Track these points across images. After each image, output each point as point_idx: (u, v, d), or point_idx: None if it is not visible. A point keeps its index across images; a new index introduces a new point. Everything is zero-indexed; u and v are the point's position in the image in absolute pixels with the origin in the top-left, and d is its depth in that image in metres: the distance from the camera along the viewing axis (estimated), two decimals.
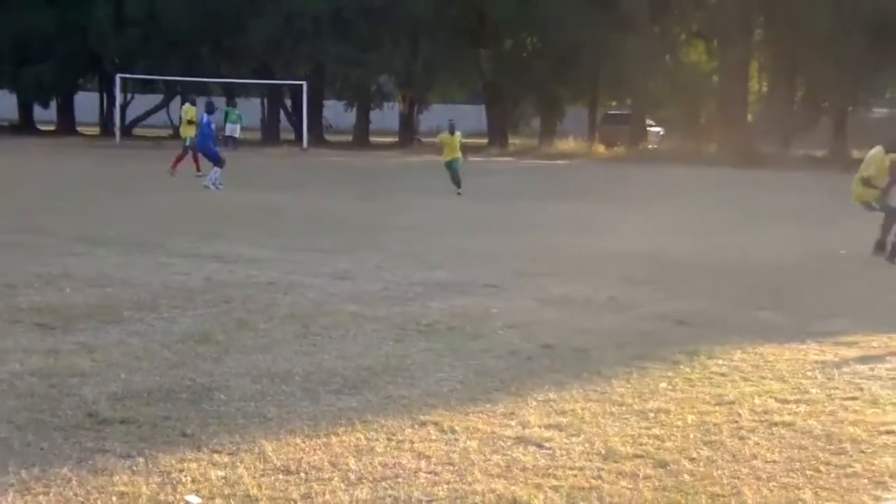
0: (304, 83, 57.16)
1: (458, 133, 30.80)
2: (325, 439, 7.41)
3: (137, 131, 66.09)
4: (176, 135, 44.96)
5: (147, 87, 68.52)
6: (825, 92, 53.28)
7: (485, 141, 63.44)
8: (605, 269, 15.74)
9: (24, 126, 68.68)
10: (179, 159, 32.88)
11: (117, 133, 58.25)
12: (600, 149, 57.86)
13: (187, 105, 36.02)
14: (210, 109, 30.30)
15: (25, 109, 70.84)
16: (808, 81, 54.97)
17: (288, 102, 67.39)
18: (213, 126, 30.33)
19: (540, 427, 7.76)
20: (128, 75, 58.46)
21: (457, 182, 29.76)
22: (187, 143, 32.94)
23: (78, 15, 62.49)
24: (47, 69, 62.96)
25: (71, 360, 9.38)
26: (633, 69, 55.15)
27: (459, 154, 30.43)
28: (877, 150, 17.81)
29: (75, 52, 63.75)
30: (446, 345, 10.38)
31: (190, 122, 30.20)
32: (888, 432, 7.76)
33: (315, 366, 9.39)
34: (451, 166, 30.20)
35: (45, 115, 71.11)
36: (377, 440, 7.41)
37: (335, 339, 10.57)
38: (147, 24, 60.50)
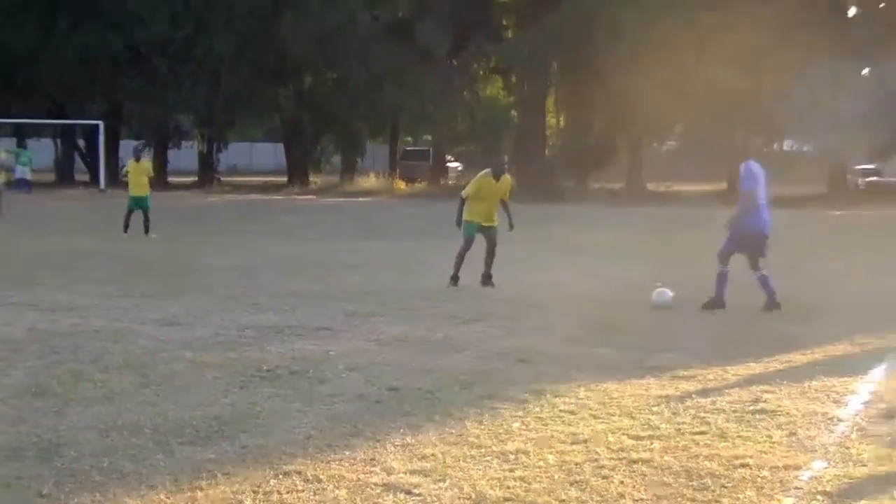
0: (100, 123, 56.01)
1: (144, 161, 29.47)
2: (189, 494, 7.23)
3: None
4: None
5: None
6: (620, 126, 54.57)
7: (285, 179, 63.29)
8: (432, 308, 15.80)
9: None
10: None
11: None
12: (401, 185, 58.19)
13: None
14: None
15: None
16: (604, 116, 56.20)
17: (81, 142, 65.95)
18: None
19: (405, 473, 7.70)
20: None
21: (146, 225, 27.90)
22: None
23: None
24: None
25: None
26: (432, 104, 55.67)
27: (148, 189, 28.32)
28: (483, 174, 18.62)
29: None
30: (293, 390, 10.26)
31: None
32: (743, 465, 7.92)
33: (162, 417, 9.17)
34: (140, 203, 28.08)
35: None
36: (243, 493, 7.26)
37: (177, 388, 10.35)
38: None
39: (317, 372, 11.09)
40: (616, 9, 48.83)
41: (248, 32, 56.52)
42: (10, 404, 9.58)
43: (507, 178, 18.73)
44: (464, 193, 18.52)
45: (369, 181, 59.45)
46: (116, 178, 61.91)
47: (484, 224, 18.59)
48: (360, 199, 51.43)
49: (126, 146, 67.60)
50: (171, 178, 63.28)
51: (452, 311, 15.45)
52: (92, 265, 21.34)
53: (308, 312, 15.19)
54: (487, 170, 18.76)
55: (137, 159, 29.08)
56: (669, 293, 16.09)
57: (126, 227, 27.74)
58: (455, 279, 18.29)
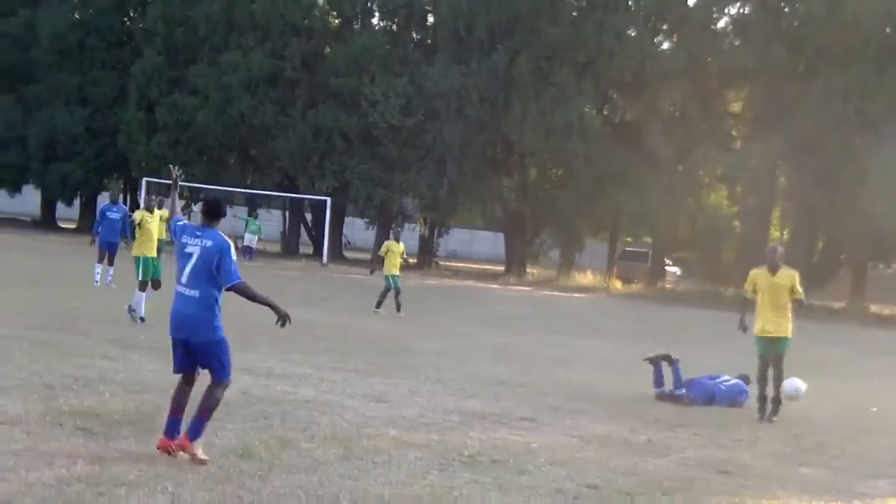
0: (328, 199, 57.44)
1: (401, 243, 29.92)
2: None
3: None
4: None
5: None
6: (845, 245, 53.41)
7: (502, 268, 63.66)
8: (639, 410, 15.68)
9: (46, 222, 69.22)
10: None
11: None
12: (618, 284, 57.93)
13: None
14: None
15: (49, 206, 71.43)
16: (828, 233, 55.09)
17: (308, 216, 67.65)
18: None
19: None
20: (154, 179, 58.72)
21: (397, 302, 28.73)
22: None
23: (108, 117, 63.38)
24: (74, 168, 63.71)
25: (117, 468, 9.30)
26: (656, 208, 55.39)
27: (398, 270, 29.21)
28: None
29: (103, 152, 64.54)
30: (492, 478, 10.29)
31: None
32: None
33: (361, 491, 9.30)
34: (395, 282, 28.97)
35: (67, 213, 71.70)
36: None
37: (378, 464, 10.49)
38: (176, 131, 61.21)
39: (517, 463, 11.10)
40: (848, 128, 48.02)
41: (477, 122, 57.32)
42: (217, 464, 9.84)
43: (787, 273, 16.20)
44: (746, 290, 16.55)
45: (586, 278, 59.30)
46: (340, 252, 63.53)
47: (773, 335, 15.91)
48: (576, 294, 51.30)
49: (350, 223, 69.32)
50: None
51: (657, 415, 15.29)
52: (308, 336, 21.71)
53: (513, 402, 15.22)
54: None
55: (397, 240, 30.04)
56: (801, 385, 15.64)
57: (379, 304, 28.77)
58: (762, 403, 15.92)
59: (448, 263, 68.35)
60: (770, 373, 15.93)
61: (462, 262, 73.82)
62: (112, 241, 29.03)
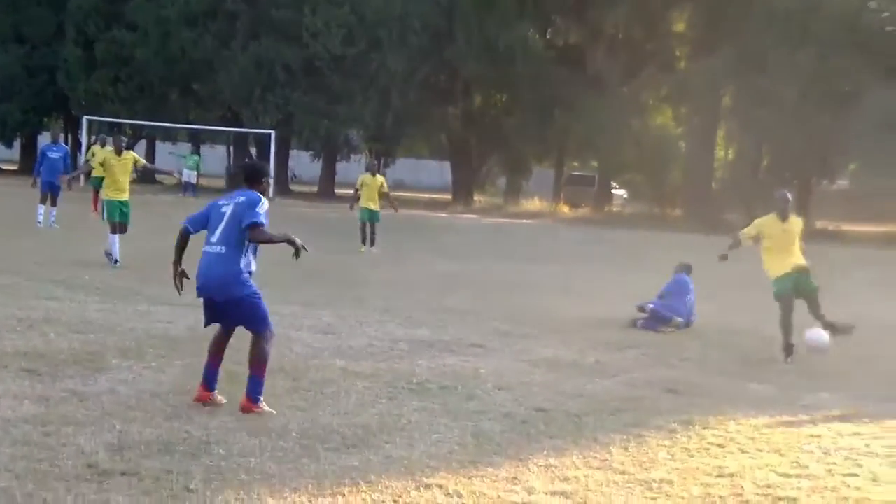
0: (272, 132, 57.04)
1: (379, 176, 29.28)
2: (331, 499, 7.34)
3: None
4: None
5: (112, 131, 68.39)
6: (791, 162, 53.67)
7: (449, 197, 63.68)
8: (587, 332, 15.75)
9: None
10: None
11: (82, 178, 57.96)
12: (565, 209, 58.05)
13: (96, 147, 36.27)
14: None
15: None
16: (773, 151, 55.34)
17: (254, 151, 67.27)
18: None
19: (545, 494, 7.70)
20: (95, 117, 58.11)
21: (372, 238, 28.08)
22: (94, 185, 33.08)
23: (46, 55, 62.53)
24: (12, 108, 62.89)
25: (63, 408, 9.25)
26: (602, 131, 55.41)
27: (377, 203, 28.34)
28: None
29: (42, 91, 63.73)
30: (440, 405, 10.32)
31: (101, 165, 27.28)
32: None
33: (310, 422, 9.30)
34: (370, 217, 28.22)
35: (7, 155, 70.92)
36: (383, 502, 7.35)
37: (327, 395, 10.50)
38: (116, 67, 60.51)
39: (465, 388, 11.14)
40: (791, 45, 48.10)
41: (420, 50, 57.05)
42: (164, 400, 9.81)
43: (797, 220, 15.69)
44: (743, 234, 15.59)
45: (533, 204, 59.42)
46: (286, 186, 63.20)
47: (800, 266, 15.18)
48: (524, 220, 51.37)
49: (295, 156, 68.97)
50: (338, 190, 64.07)
51: (606, 338, 15.37)
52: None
53: (461, 329, 15.25)
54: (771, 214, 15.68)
55: (373, 173, 29.15)
56: (825, 336, 14.93)
57: (363, 240, 28.04)
58: (788, 349, 14.82)
59: (395, 193, 68.14)
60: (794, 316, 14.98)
61: (409, 191, 73.64)
62: (53, 181, 28.67)
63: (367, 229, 28.03)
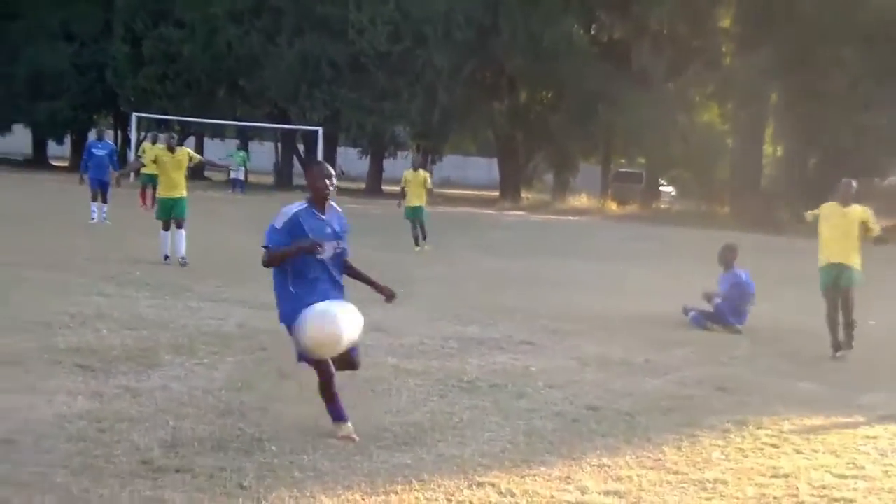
0: (319, 129, 57.19)
1: (422, 171, 28.88)
2: (384, 497, 7.33)
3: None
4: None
5: (161, 127, 68.77)
6: (840, 159, 53.25)
7: (496, 194, 63.62)
8: (636, 330, 15.70)
9: (38, 161, 69.01)
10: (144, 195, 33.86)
11: (132, 175, 58.32)
12: (613, 206, 57.90)
13: (146, 144, 36.66)
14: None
15: (40, 144, 71.28)
16: (822, 147, 54.90)
17: (301, 147, 67.44)
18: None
19: (599, 493, 7.67)
20: (143, 114, 58.39)
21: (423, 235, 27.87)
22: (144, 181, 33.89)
23: (94, 52, 62.95)
24: (62, 105, 63.34)
25: (117, 404, 9.31)
26: (647, 127, 55.20)
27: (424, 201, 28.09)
28: None
29: (91, 89, 64.17)
30: (491, 403, 10.31)
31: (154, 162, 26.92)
32: None
33: (362, 420, 9.27)
34: (415, 214, 28.04)
35: (58, 151, 71.50)
36: (436, 500, 7.34)
37: (379, 393, 10.50)
38: (163, 64, 60.85)
39: (516, 386, 11.11)
40: (837, 40, 47.72)
41: (465, 46, 57.03)
42: (217, 397, 9.84)
43: (859, 208, 14.88)
44: (807, 213, 15.38)
45: (581, 200, 59.35)
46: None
47: (841, 262, 14.77)
48: (571, 217, 51.25)
49: (343, 153, 69.09)
50: (385, 187, 64.16)
51: (655, 336, 15.31)
52: None
53: (511, 327, 15.23)
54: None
55: (416, 169, 28.89)
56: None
57: (415, 240, 27.79)
58: (835, 345, 14.80)
59: (442, 190, 68.23)
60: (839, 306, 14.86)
61: (457, 188, 73.69)
62: (101, 178, 28.90)
63: (416, 226, 27.95)
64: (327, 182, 8.89)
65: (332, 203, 9.02)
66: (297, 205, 8.90)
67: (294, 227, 8.69)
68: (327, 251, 8.78)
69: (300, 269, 8.77)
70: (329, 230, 8.88)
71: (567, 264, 26.31)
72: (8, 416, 8.73)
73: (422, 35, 56.72)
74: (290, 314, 8.77)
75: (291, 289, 8.82)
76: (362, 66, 57.67)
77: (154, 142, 33.14)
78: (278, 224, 8.70)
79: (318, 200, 8.92)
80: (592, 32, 63.57)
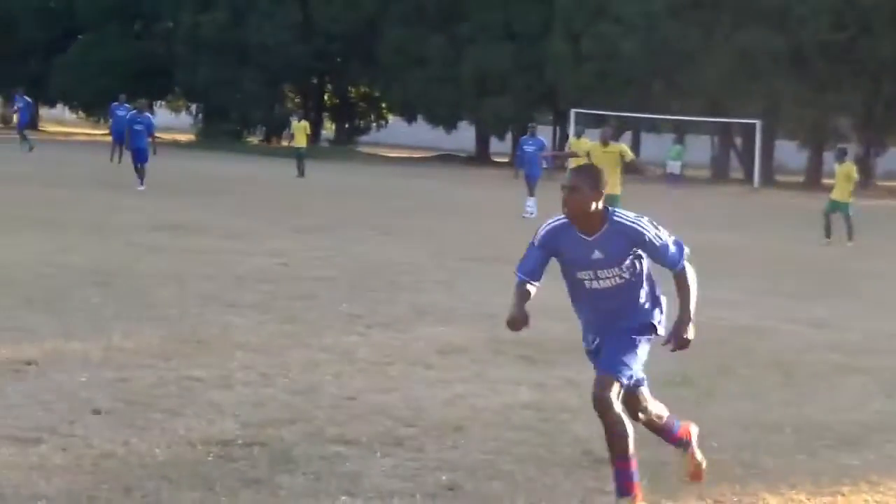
0: (757, 122, 56.29)
1: (847, 162, 26.98)
2: (830, 498, 7.18)
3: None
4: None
5: (600, 123, 69.51)
6: None
7: None
8: None
9: (480, 157, 71.53)
10: None
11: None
12: None
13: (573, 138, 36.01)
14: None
15: (483, 141, 73.90)
16: None
17: (738, 140, 66.51)
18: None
19: None
20: (582, 110, 59.18)
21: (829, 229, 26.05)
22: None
23: (534, 50, 64.46)
24: (504, 103, 65.23)
25: (558, 395, 9.49)
26: None
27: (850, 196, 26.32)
28: None
29: (531, 86, 65.77)
30: None
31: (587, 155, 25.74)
32: None
33: (804, 418, 9.09)
34: (839, 208, 26.24)
35: (500, 148, 73.73)
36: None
37: (821, 390, 10.24)
38: (601, 61, 61.49)
39: None
40: None
41: None
42: (655, 392, 9.83)
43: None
44: None
45: None
46: (771, 177, 62.08)
47: None
48: None
49: (781, 147, 67.68)
50: (825, 181, 62.26)
51: None
52: (739, 261, 21.37)
53: None
54: None
55: (841, 162, 27.33)
56: None
57: (827, 230, 26.36)
58: None
59: (886, 184, 65.55)
60: None
61: None
62: (532, 173, 29.93)
63: (829, 221, 26.27)
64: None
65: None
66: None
67: None
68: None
69: None
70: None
71: None
72: (458, 403, 9.09)
73: (867, 23, 54.74)
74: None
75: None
76: (801, 57, 56.27)
77: (578, 136, 33.52)
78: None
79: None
80: None
